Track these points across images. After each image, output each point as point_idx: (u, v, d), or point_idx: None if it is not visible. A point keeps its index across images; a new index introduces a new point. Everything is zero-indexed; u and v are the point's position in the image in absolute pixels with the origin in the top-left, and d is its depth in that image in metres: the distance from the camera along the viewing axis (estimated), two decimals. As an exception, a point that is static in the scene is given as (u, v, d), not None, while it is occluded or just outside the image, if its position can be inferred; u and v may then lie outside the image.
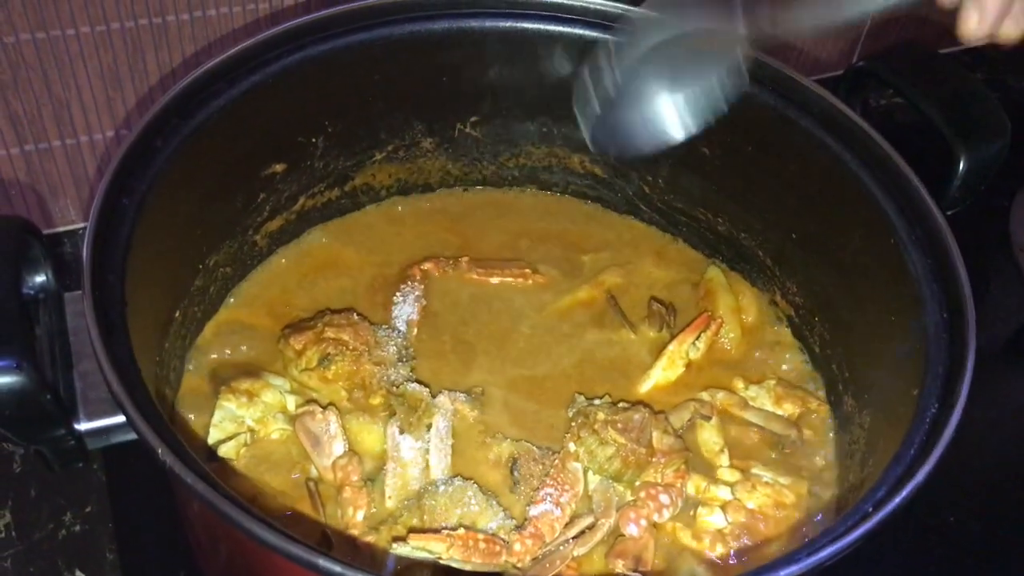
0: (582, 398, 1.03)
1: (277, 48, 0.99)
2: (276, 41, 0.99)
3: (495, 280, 1.16)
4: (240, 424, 0.96)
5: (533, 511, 0.93)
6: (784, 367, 1.11)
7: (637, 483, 0.96)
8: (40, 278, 0.83)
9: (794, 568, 0.70)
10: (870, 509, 0.75)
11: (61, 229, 1.32)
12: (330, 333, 1.01)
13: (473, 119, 1.17)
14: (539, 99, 1.14)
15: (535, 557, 0.90)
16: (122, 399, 0.72)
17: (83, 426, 0.79)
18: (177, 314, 0.99)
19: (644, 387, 1.07)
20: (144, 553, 1.04)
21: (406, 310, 1.10)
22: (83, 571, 1.02)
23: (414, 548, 0.86)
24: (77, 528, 1.05)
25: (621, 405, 1.02)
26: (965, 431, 0.81)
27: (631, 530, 0.93)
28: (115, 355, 0.75)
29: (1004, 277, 1.39)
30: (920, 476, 0.76)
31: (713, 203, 1.15)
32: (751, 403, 1.05)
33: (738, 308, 1.13)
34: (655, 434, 0.98)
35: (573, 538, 0.92)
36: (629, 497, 0.96)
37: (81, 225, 1.33)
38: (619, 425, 0.96)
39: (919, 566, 1.10)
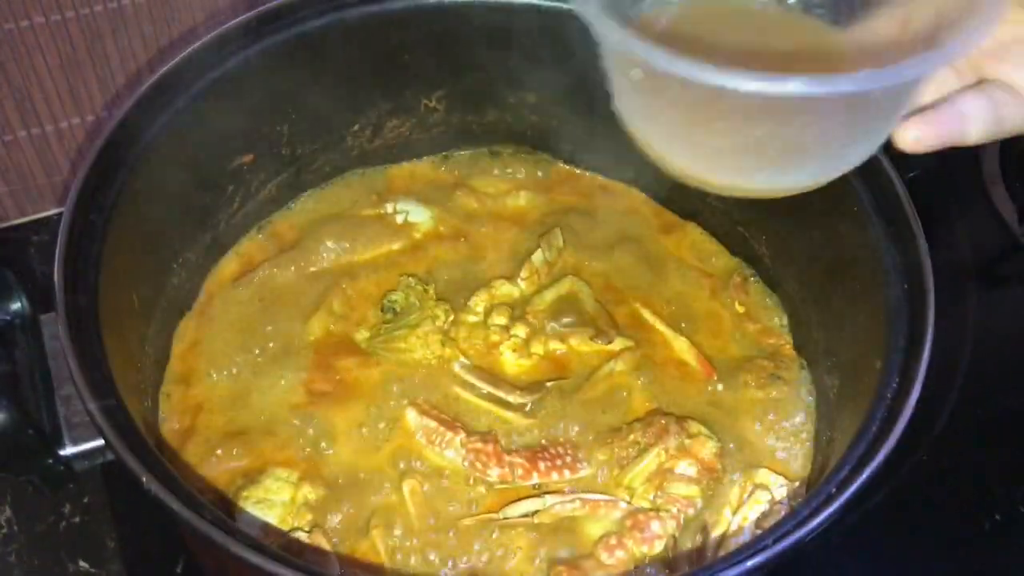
0: None
1: (232, 44, 0.98)
2: (230, 37, 0.98)
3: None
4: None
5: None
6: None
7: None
8: (15, 305, 0.83)
9: (759, 558, 0.72)
10: (833, 490, 0.77)
11: (35, 216, 1.32)
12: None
13: (438, 94, 1.15)
14: (504, 71, 1.13)
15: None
16: (104, 429, 0.73)
17: (69, 451, 0.80)
18: (157, 312, 0.99)
19: None
20: (144, 541, 1.05)
21: None
22: (86, 561, 1.04)
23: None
24: (77, 519, 1.06)
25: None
26: (934, 363, 0.82)
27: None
28: (92, 381, 0.76)
29: (976, 208, 1.38)
30: (881, 455, 0.78)
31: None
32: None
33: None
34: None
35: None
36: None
37: (56, 211, 1.33)
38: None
39: (889, 505, 1.09)
